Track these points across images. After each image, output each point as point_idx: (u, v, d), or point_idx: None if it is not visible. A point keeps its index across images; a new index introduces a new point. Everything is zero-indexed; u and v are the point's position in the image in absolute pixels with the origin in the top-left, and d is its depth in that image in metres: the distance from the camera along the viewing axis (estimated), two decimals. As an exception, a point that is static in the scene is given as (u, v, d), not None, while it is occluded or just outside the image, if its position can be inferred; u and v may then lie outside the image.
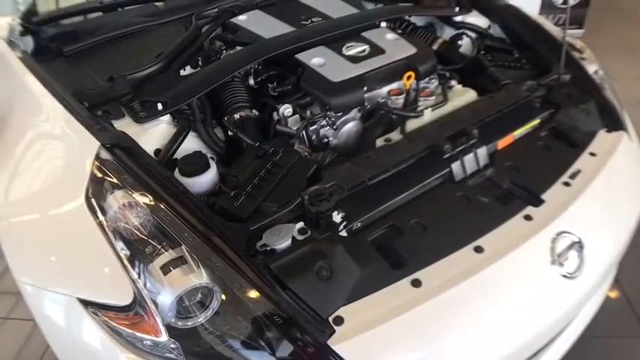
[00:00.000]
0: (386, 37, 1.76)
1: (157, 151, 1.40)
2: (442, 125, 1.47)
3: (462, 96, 1.65)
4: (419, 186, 1.33)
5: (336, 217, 1.21)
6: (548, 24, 1.99)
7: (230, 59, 1.67)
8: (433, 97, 1.63)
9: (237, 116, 1.56)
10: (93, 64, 1.73)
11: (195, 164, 1.31)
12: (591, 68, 1.81)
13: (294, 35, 1.75)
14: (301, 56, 1.65)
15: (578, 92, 1.70)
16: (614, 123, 1.66)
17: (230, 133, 1.53)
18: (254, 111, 1.60)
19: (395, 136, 1.49)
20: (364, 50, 1.67)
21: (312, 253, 1.13)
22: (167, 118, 1.47)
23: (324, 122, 1.57)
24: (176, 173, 1.30)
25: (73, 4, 2.16)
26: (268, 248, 1.13)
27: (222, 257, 1.05)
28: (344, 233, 1.20)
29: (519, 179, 1.40)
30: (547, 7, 4.25)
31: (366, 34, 1.76)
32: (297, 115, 1.58)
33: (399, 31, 1.95)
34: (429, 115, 1.55)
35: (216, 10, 2.00)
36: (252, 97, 1.65)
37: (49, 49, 1.84)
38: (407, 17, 2.05)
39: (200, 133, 1.51)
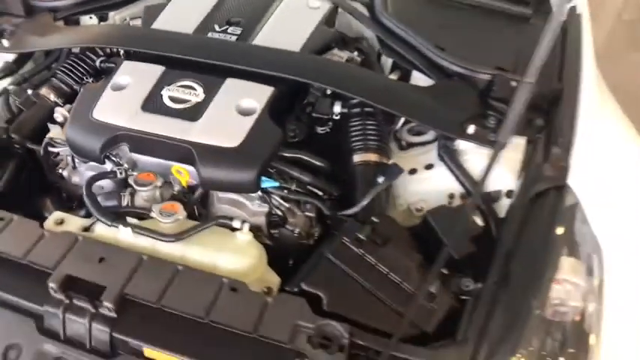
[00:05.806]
0: (239, 102, 1.17)
1: None
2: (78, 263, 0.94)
3: (227, 253, 1.02)
4: None
5: None
6: None
7: (86, 30, 1.51)
8: (172, 220, 1.03)
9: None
10: None
11: None
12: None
13: (170, 42, 1.32)
14: (124, 67, 1.29)
15: None
16: None
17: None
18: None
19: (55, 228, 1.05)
20: (189, 101, 1.18)
21: None
22: None
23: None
24: None
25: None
26: None
27: None
28: None
29: None
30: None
31: (230, 84, 1.21)
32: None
33: (339, 104, 1.27)
34: (126, 238, 1.02)
35: None
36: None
37: None
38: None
39: None
